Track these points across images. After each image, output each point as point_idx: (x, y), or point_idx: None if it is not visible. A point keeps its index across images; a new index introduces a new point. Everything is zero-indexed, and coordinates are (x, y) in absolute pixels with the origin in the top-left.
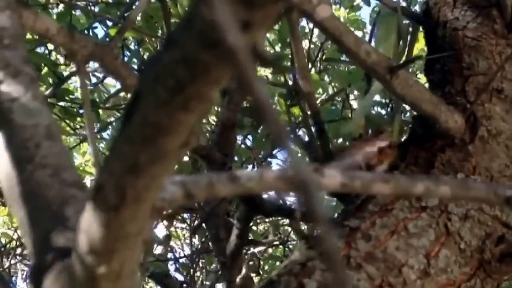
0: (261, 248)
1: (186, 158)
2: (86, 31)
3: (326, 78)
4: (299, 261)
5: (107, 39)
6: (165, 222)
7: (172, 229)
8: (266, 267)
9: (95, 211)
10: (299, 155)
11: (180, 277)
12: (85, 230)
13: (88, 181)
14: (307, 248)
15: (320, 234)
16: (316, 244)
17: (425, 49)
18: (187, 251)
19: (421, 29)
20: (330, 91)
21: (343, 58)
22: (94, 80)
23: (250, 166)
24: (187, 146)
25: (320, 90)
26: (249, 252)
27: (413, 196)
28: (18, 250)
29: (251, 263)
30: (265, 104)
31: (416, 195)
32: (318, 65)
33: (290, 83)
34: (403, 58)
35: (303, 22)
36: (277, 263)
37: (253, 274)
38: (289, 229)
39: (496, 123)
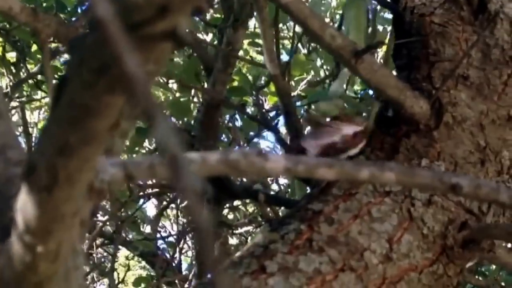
0: (249, 227)
1: None
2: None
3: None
4: (262, 244)
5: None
6: (154, 201)
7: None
8: None
9: (29, 192)
10: (170, 130)
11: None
12: (21, 210)
13: None
14: (270, 231)
15: (190, 210)
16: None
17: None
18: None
19: None
20: (322, 74)
21: None
22: None
23: (237, 147)
24: (116, 128)
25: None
26: (236, 232)
27: (358, 182)
28: None
29: (237, 242)
30: (135, 77)
31: (361, 181)
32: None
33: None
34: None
35: None
36: None
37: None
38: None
39: (462, 110)
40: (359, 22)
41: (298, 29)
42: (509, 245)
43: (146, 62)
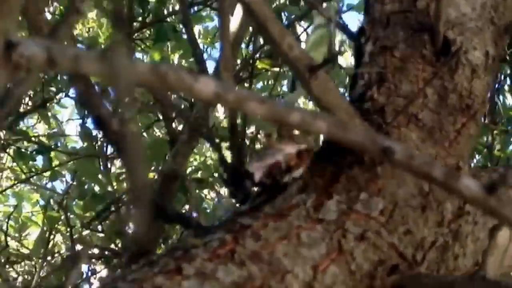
0: None
1: None
2: None
3: None
4: (182, 247)
5: None
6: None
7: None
8: None
9: None
10: None
11: None
12: None
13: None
14: (194, 237)
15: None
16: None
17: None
18: None
19: None
20: None
21: None
22: None
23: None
24: None
25: None
26: None
27: (287, 125)
28: None
29: None
30: None
31: (290, 124)
32: None
33: None
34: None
35: None
36: None
37: None
38: None
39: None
40: (320, 48)
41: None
42: None
43: None
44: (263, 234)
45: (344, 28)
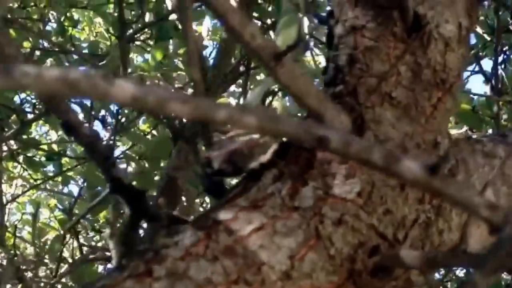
0: None
1: None
2: None
3: None
4: (153, 249)
5: None
6: None
7: None
8: None
9: None
10: None
11: None
12: None
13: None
14: (165, 236)
15: None
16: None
17: None
18: None
19: None
20: None
21: None
22: None
23: None
24: None
25: None
26: None
27: (214, 122)
28: None
29: None
30: None
31: (218, 122)
32: None
33: None
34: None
35: None
36: None
37: None
38: None
39: (385, 129)
40: (289, 33)
41: None
42: None
43: None
44: (236, 227)
45: (313, 12)
